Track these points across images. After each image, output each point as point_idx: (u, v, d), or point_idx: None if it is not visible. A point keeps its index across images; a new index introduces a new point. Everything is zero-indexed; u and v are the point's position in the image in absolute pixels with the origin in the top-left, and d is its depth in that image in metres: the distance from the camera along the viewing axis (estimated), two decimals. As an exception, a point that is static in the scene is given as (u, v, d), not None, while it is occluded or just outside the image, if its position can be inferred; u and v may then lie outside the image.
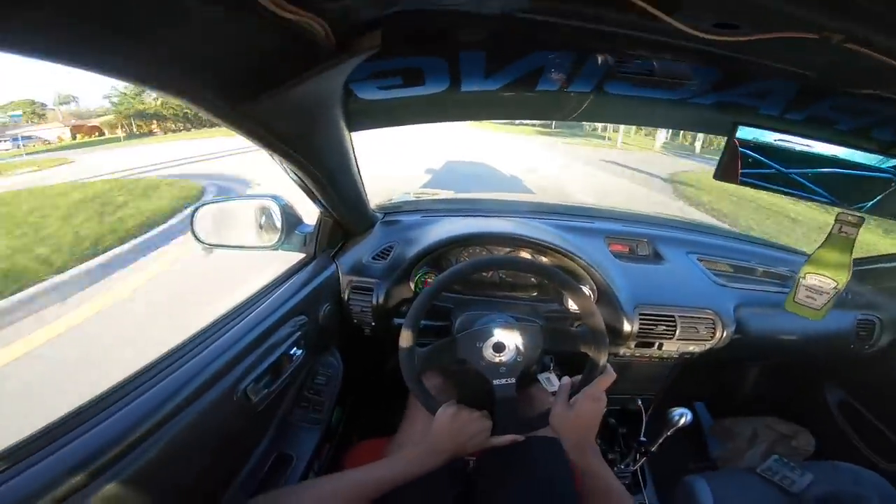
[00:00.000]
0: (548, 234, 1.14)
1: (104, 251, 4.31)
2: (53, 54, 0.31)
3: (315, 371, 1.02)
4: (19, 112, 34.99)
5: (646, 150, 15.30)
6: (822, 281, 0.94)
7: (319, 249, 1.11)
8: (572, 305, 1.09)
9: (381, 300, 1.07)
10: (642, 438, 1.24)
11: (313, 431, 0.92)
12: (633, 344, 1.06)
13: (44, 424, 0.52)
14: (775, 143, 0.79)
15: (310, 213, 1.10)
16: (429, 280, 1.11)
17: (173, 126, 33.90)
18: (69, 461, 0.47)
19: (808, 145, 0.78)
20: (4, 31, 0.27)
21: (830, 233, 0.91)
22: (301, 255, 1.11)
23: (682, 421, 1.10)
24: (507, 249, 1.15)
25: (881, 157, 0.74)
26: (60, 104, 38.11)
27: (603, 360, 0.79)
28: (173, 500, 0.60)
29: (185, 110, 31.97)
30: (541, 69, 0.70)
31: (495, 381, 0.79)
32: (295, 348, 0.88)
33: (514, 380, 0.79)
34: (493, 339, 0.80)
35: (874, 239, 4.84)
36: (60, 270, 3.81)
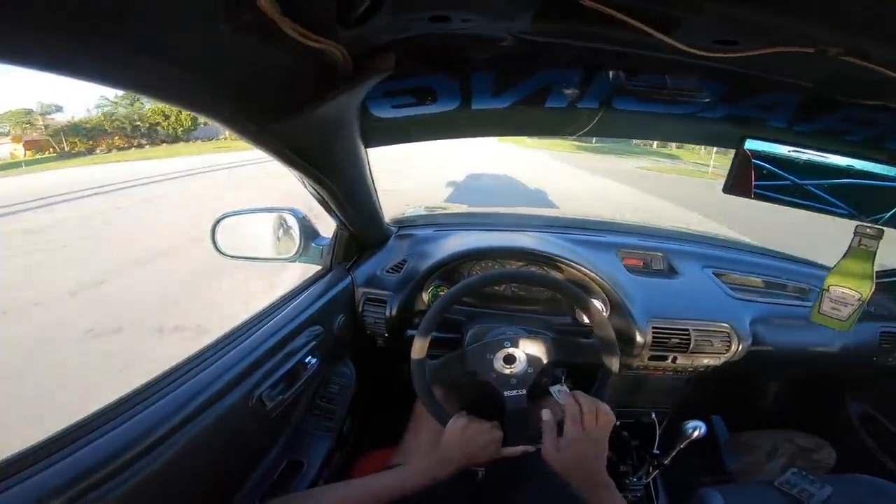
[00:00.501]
0: (560, 247, 1.15)
1: None
2: (86, 73, 0.32)
3: (328, 380, 1.04)
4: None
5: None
6: (846, 292, 0.92)
7: (335, 262, 1.15)
8: (584, 318, 1.09)
9: (394, 312, 1.09)
10: (655, 451, 1.21)
11: (325, 439, 0.94)
12: (646, 357, 1.05)
13: (64, 426, 0.54)
14: (788, 154, 0.79)
15: (327, 227, 1.14)
16: (441, 293, 1.13)
17: (120, 143, 29.11)
18: (89, 461, 0.49)
19: (822, 156, 0.77)
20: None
21: (850, 245, 0.89)
22: (317, 267, 1.15)
23: (697, 433, 1.08)
24: (520, 263, 1.16)
25: (894, 168, 0.73)
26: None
27: (614, 369, 0.79)
28: (188, 501, 0.62)
29: (137, 122, 29.62)
30: (548, 87, 0.73)
31: (506, 393, 0.79)
32: (310, 357, 0.91)
33: (524, 391, 0.79)
34: (505, 351, 0.81)
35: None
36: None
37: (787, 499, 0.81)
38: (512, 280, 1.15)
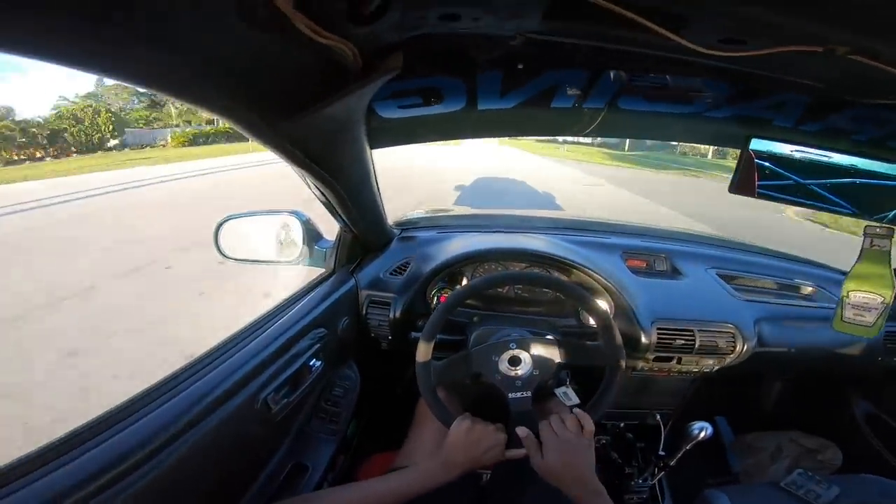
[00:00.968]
0: (563, 249, 1.15)
1: None
2: (95, 64, 0.32)
3: (333, 383, 1.03)
4: None
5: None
6: (867, 297, 0.90)
7: (339, 264, 1.14)
8: (588, 320, 1.08)
9: (398, 314, 1.08)
10: (661, 452, 1.21)
11: (329, 442, 0.93)
12: (651, 358, 1.04)
13: (72, 428, 0.53)
14: (792, 153, 0.79)
15: (330, 230, 1.14)
16: (445, 295, 1.13)
17: (17, 155, 19.39)
18: (97, 463, 0.49)
19: (825, 155, 0.77)
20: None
21: (862, 248, 0.88)
22: (321, 270, 1.14)
23: (702, 435, 1.08)
24: (523, 265, 1.16)
25: None
26: None
27: (620, 371, 0.78)
28: (193, 503, 0.61)
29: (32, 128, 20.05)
30: (555, 87, 0.73)
31: (511, 395, 0.78)
32: (314, 360, 0.90)
33: (529, 393, 0.79)
34: (510, 353, 0.80)
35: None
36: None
37: (793, 500, 0.81)
38: (516, 282, 1.15)
